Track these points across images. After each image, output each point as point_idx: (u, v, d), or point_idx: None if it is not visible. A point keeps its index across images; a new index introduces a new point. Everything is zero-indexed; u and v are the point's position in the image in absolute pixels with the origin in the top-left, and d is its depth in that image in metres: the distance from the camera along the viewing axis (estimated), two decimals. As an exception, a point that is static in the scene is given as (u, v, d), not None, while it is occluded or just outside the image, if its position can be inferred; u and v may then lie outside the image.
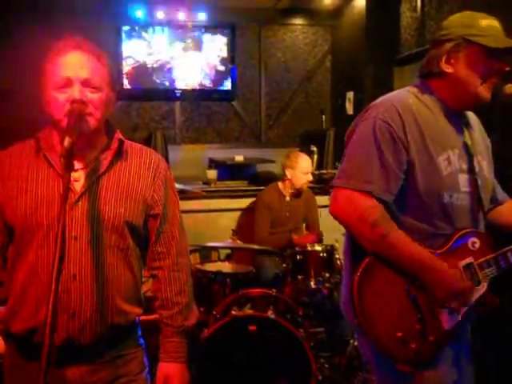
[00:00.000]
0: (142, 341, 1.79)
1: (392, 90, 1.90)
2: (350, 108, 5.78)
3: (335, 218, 1.74)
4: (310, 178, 4.42)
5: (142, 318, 1.80)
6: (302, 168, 4.33)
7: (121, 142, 1.70)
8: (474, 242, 1.79)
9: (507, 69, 1.75)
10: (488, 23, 1.73)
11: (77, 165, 1.62)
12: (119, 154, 1.69)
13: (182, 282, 1.78)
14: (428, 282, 1.69)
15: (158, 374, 1.74)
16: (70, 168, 1.39)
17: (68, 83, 1.55)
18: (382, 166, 1.70)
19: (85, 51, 1.60)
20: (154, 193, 1.72)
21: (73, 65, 1.57)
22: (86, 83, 1.56)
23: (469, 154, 1.81)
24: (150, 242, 1.77)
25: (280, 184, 4.47)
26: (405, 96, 1.81)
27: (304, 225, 4.58)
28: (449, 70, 1.76)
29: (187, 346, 1.78)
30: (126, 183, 1.67)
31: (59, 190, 1.57)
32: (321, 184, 5.36)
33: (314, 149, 5.67)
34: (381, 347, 1.70)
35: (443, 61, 1.76)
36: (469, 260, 1.77)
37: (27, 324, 1.59)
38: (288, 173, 4.35)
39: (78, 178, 1.62)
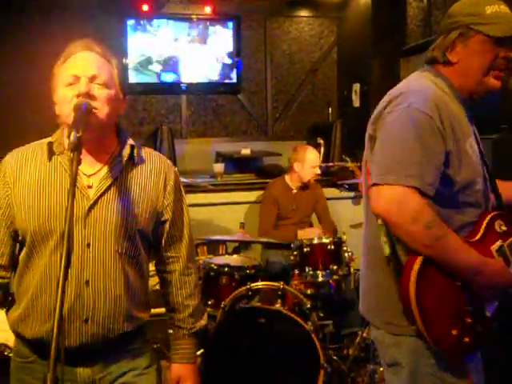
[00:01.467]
0: (147, 337, 1.81)
1: (399, 81, 1.87)
2: (356, 100, 5.75)
3: (379, 216, 1.65)
4: (318, 171, 4.40)
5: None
6: (310, 162, 4.32)
7: (132, 148, 1.69)
8: (501, 225, 1.77)
9: None
10: (494, 10, 1.68)
11: (89, 170, 1.63)
12: (131, 160, 1.68)
13: (193, 286, 1.82)
14: (481, 285, 1.65)
15: (171, 376, 1.79)
16: (77, 162, 1.37)
17: (76, 80, 1.56)
18: (426, 159, 1.60)
19: (94, 52, 1.61)
20: (164, 199, 1.73)
21: (81, 63, 1.58)
22: (93, 79, 1.57)
23: (477, 138, 1.81)
24: (160, 246, 1.78)
25: (287, 177, 4.47)
26: (429, 84, 1.75)
27: (310, 218, 4.58)
28: (455, 59, 1.74)
29: (197, 347, 1.85)
30: (138, 190, 1.67)
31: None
32: (328, 176, 5.35)
33: (321, 141, 5.67)
34: (440, 347, 1.64)
35: (449, 50, 1.74)
36: (499, 243, 1.75)
37: (39, 330, 1.60)
38: (296, 166, 4.34)
39: (91, 185, 1.62)
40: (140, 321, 1.72)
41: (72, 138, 1.37)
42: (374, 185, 1.63)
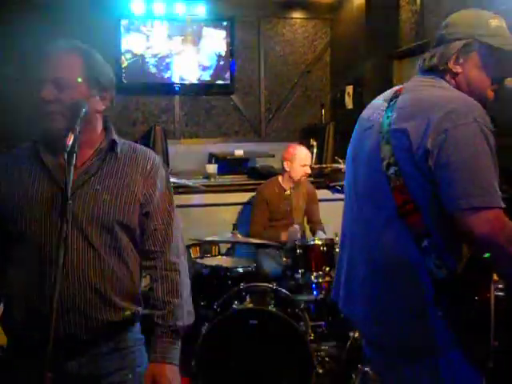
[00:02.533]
0: (140, 336, 1.79)
1: (391, 83, 1.86)
2: (349, 102, 5.77)
3: (488, 241, 1.53)
4: (308, 170, 4.43)
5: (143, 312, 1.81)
6: (300, 160, 4.35)
7: (113, 142, 1.72)
8: None
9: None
10: (496, 23, 1.68)
11: None
12: (112, 154, 1.71)
13: (175, 282, 1.77)
14: None
15: (145, 374, 1.71)
16: (71, 165, 1.43)
17: (42, 84, 1.60)
18: (496, 178, 1.56)
19: (63, 51, 1.64)
20: (146, 191, 1.73)
21: (47, 66, 1.62)
22: (55, 82, 1.59)
23: None
24: (143, 240, 1.78)
25: (280, 178, 4.49)
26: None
27: (305, 218, 4.60)
28: (458, 69, 1.70)
29: (179, 347, 1.76)
30: (118, 183, 1.69)
31: (51, 191, 1.61)
32: (320, 178, 5.36)
33: (314, 143, 5.68)
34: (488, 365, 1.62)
35: (452, 60, 1.70)
36: None
37: (21, 321, 1.61)
38: (286, 165, 4.37)
39: (71, 178, 1.63)
40: (126, 312, 1.70)
41: (69, 140, 1.42)
42: (473, 208, 1.52)
